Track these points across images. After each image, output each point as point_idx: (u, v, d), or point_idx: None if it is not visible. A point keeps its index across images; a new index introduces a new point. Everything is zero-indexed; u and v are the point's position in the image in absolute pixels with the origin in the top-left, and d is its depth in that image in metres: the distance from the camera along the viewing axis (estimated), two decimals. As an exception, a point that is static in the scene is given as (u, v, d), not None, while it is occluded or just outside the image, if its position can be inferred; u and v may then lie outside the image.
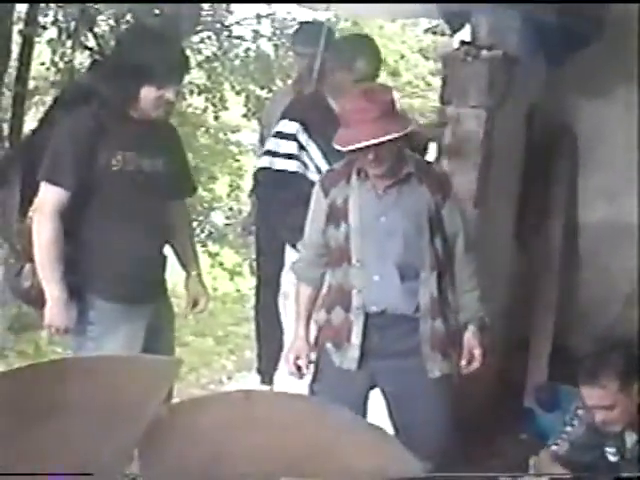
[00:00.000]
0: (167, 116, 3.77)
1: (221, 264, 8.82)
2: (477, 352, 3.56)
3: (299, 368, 3.66)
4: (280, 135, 4.33)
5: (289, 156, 4.27)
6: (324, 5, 5.42)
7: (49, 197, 3.57)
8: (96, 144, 3.55)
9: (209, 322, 6.80)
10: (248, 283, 8.41)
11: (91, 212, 3.61)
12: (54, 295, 3.56)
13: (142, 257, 3.68)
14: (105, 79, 3.68)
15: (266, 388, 5.40)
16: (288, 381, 3.87)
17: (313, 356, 3.68)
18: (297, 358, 3.65)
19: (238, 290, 8.86)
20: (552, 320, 5.18)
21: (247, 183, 7.35)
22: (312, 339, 3.68)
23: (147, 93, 3.56)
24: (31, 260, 3.62)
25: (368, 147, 3.27)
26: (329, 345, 3.59)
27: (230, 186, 9.78)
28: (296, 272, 3.78)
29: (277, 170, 4.30)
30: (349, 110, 3.36)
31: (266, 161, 4.36)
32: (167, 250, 3.93)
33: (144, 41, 3.68)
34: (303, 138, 4.26)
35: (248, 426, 2.34)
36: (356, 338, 3.48)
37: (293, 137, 4.27)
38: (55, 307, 3.57)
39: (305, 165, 4.28)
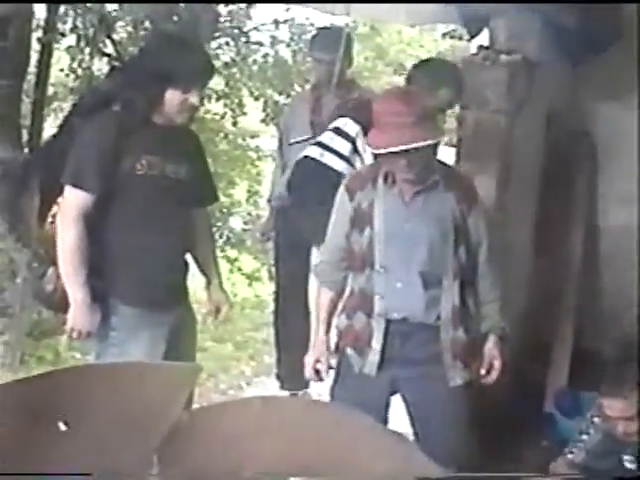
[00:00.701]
0: (190, 121, 3.76)
1: (240, 269, 8.82)
2: (497, 362, 3.56)
3: (318, 372, 3.66)
4: (338, 132, 4.20)
5: (340, 155, 4.13)
6: (343, 10, 5.41)
7: (73, 201, 3.57)
8: (120, 148, 3.55)
9: (228, 328, 6.78)
10: (267, 288, 8.41)
11: (114, 216, 3.61)
12: (77, 298, 3.55)
13: (165, 262, 3.68)
14: (130, 83, 3.68)
15: (285, 394, 5.41)
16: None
17: (333, 361, 3.68)
18: (317, 362, 3.65)
19: (257, 295, 8.87)
20: (572, 325, 5.16)
21: (265, 188, 7.34)
22: (333, 343, 3.67)
23: (172, 97, 3.56)
24: (54, 264, 3.62)
25: (401, 152, 3.24)
26: (349, 350, 3.58)
27: (248, 191, 9.79)
28: (317, 275, 3.77)
29: (323, 164, 4.15)
30: (385, 112, 3.32)
31: (316, 152, 4.21)
32: (188, 257, 3.94)
33: (169, 46, 3.70)
34: (360, 142, 4.12)
35: (266, 432, 2.33)
36: (377, 343, 3.46)
37: (351, 139, 4.14)
38: (78, 310, 3.56)
39: (353, 169, 4.13)
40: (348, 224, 3.53)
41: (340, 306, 3.66)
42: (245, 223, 9.74)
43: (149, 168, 3.58)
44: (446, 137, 4.66)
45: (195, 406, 3.71)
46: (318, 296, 3.74)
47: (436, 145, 3.49)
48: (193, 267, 4.02)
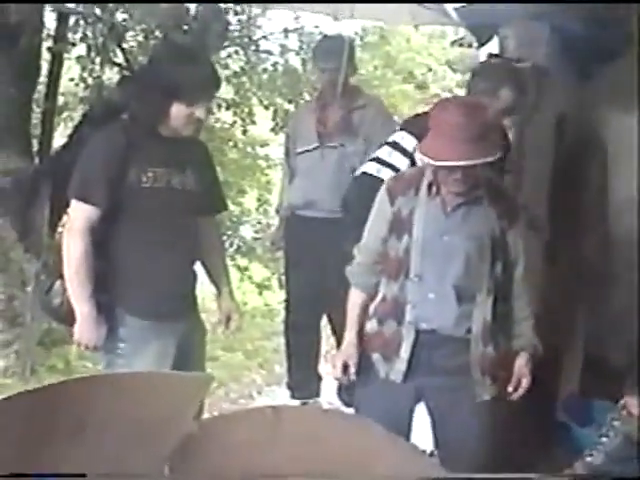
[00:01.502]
0: (197, 133, 3.75)
1: (250, 278, 8.84)
2: (525, 380, 3.51)
3: (345, 373, 3.61)
4: (395, 146, 4.16)
5: (398, 171, 4.04)
6: (349, 15, 5.43)
7: (79, 214, 3.57)
8: (126, 161, 3.55)
9: (238, 336, 6.77)
10: (277, 297, 8.41)
11: (121, 228, 3.61)
12: (83, 312, 3.56)
13: (172, 273, 3.68)
14: (136, 96, 3.69)
15: (296, 403, 5.41)
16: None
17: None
18: (345, 363, 3.62)
19: (267, 304, 8.88)
20: (583, 333, 5.15)
21: (275, 197, 7.35)
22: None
23: (177, 110, 3.56)
24: (61, 277, 3.63)
25: (457, 166, 3.19)
26: (376, 355, 3.56)
27: (259, 200, 9.81)
28: (351, 276, 3.71)
29: (380, 180, 3.99)
30: (446, 123, 3.20)
31: (373, 168, 4.17)
32: (197, 266, 3.94)
33: (175, 58, 3.68)
34: (418, 156, 3.94)
35: (277, 441, 2.33)
36: (405, 352, 3.44)
37: (409, 154, 4.08)
38: (84, 324, 3.57)
39: None
40: (386, 228, 3.48)
41: (371, 310, 3.64)
42: (255, 232, 9.76)
43: (155, 180, 3.58)
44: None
45: (206, 415, 3.72)
46: (350, 298, 3.68)
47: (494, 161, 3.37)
48: (202, 276, 4.02)
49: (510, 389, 3.52)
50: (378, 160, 4.18)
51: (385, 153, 4.17)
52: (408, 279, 3.42)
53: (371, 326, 3.59)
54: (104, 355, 3.73)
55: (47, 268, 3.77)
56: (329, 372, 3.76)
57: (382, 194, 3.53)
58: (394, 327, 3.48)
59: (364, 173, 4.22)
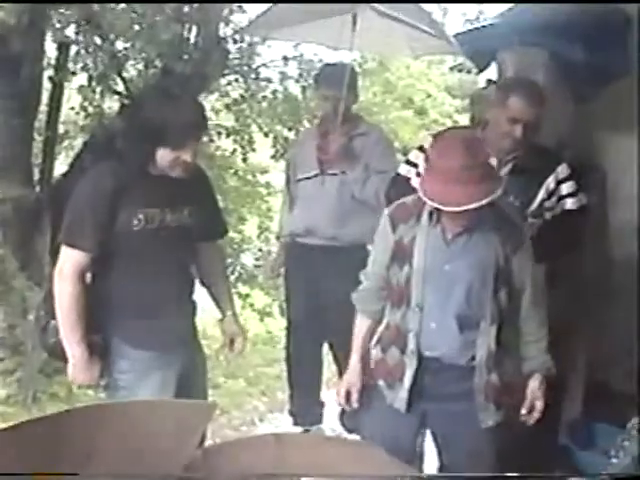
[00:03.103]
0: (186, 174, 3.64)
1: (251, 305, 8.82)
2: (539, 403, 3.52)
3: (348, 400, 3.62)
4: (569, 177, 4.19)
5: (574, 194, 4.15)
6: (349, 46, 5.45)
7: (68, 259, 3.57)
8: (116, 203, 3.52)
9: (240, 363, 6.79)
10: (278, 324, 8.40)
11: (115, 269, 3.62)
12: (75, 355, 3.58)
13: (171, 305, 3.68)
14: (124, 136, 3.66)
15: (299, 430, 5.40)
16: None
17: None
18: (348, 391, 3.61)
19: (268, 331, 8.86)
20: (586, 356, 5.14)
21: (276, 224, 7.36)
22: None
23: (163, 154, 3.53)
24: (55, 317, 3.62)
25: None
26: (381, 382, 3.56)
27: (259, 227, 9.80)
28: (357, 302, 3.70)
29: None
30: (448, 166, 3.12)
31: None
32: (197, 294, 3.94)
33: (158, 103, 3.58)
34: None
35: (281, 469, 2.33)
36: (407, 380, 3.45)
37: None
38: (77, 366, 3.60)
39: None
40: (388, 255, 3.48)
41: (375, 337, 3.63)
42: (256, 259, 9.73)
43: (147, 222, 3.56)
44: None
45: (208, 442, 3.72)
46: (355, 324, 3.69)
47: None
48: (202, 303, 4.03)
49: (524, 412, 3.51)
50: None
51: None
52: (409, 308, 3.42)
53: (375, 353, 3.59)
54: (106, 388, 3.76)
55: (48, 301, 3.75)
56: (332, 399, 3.75)
57: (385, 221, 3.52)
58: (397, 355, 3.48)
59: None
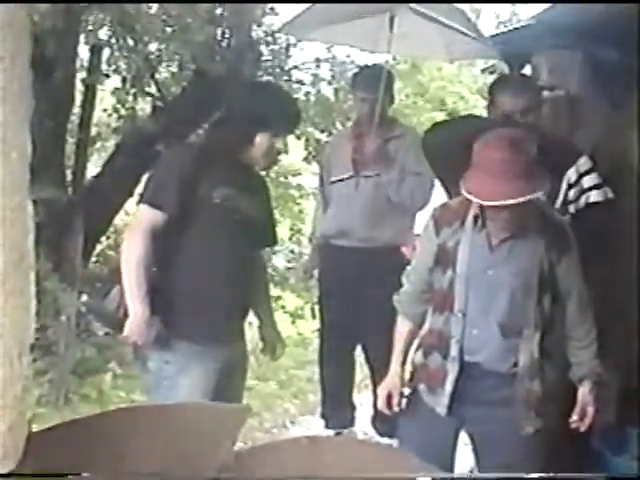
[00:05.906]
0: (273, 165, 3.88)
1: (283, 307, 8.83)
2: (590, 409, 3.47)
3: (389, 404, 3.60)
4: (591, 170, 4.08)
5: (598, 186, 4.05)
6: (384, 47, 5.43)
7: (145, 217, 3.65)
8: (199, 175, 3.64)
9: (272, 366, 6.78)
10: (310, 326, 8.40)
11: (182, 243, 3.66)
12: (137, 311, 3.59)
13: (230, 302, 3.74)
14: (219, 124, 3.91)
15: (331, 432, 5.39)
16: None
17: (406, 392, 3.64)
18: (389, 394, 3.59)
19: (300, 333, 8.86)
20: (619, 362, 5.10)
21: (308, 226, 7.36)
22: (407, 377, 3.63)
23: (262, 140, 3.69)
24: (120, 282, 3.65)
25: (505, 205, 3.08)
26: (422, 386, 3.54)
27: (291, 229, 9.82)
28: (398, 306, 3.68)
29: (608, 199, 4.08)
30: (491, 160, 3.09)
31: (600, 195, 4.10)
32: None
33: (261, 93, 3.90)
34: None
35: (314, 472, 2.32)
36: (449, 385, 3.41)
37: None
38: (136, 322, 3.60)
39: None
40: (432, 259, 3.43)
41: (417, 341, 3.61)
42: (288, 261, 9.75)
43: (225, 199, 3.66)
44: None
45: (239, 444, 3.72)
46: (397, 327, 3.67)
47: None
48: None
49: (575, 418, 3.47)
50: (599, 186, 4.14)
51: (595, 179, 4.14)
52: (452, 314, 3.38)
53: (417, 358, 3.57)
54: (150, 376, 3.77)
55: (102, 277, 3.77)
56: (365, 402, 3.75)
57: (428, 225, 3.49)
58: (439, 360, 3.45)
59: (595, 203, 4.15)
